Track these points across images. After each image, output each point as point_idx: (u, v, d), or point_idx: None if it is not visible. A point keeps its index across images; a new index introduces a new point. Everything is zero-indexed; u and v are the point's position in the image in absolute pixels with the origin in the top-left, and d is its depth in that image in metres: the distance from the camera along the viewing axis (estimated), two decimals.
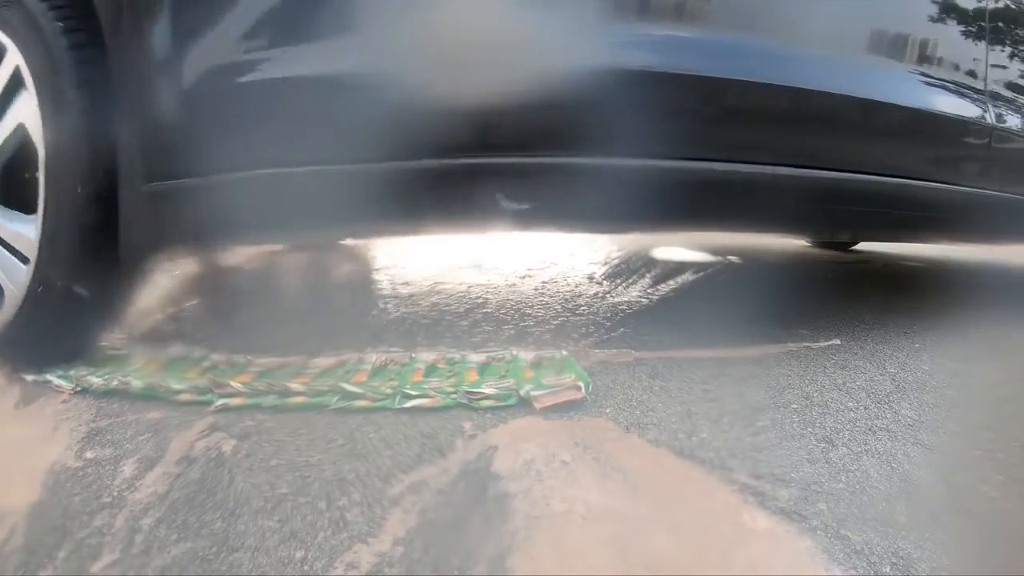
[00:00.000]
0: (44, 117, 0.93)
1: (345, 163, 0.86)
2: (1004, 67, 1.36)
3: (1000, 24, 1.35)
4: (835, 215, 1.20)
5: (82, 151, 0.91)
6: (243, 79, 0.87)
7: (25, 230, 0.96)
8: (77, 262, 0.93)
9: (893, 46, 1.17)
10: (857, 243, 2.69)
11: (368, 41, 0.87)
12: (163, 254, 1.04)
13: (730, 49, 0.97)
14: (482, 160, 0.90)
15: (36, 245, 0.93)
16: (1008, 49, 1.37)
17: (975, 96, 1.29)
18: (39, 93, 0.93)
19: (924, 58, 1.20)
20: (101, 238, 0.92)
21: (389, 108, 0.83)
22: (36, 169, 0.93)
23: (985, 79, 1.31)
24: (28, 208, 0.96)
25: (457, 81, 0.84)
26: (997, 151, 1.33)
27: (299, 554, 0.61)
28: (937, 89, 1.22)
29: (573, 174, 0.92)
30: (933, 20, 1.24)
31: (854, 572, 0.60)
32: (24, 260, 0.96)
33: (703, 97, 0.96)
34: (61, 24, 0.94)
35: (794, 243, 2.68)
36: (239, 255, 1.79)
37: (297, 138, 0.87)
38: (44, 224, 0.93)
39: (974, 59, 1.29)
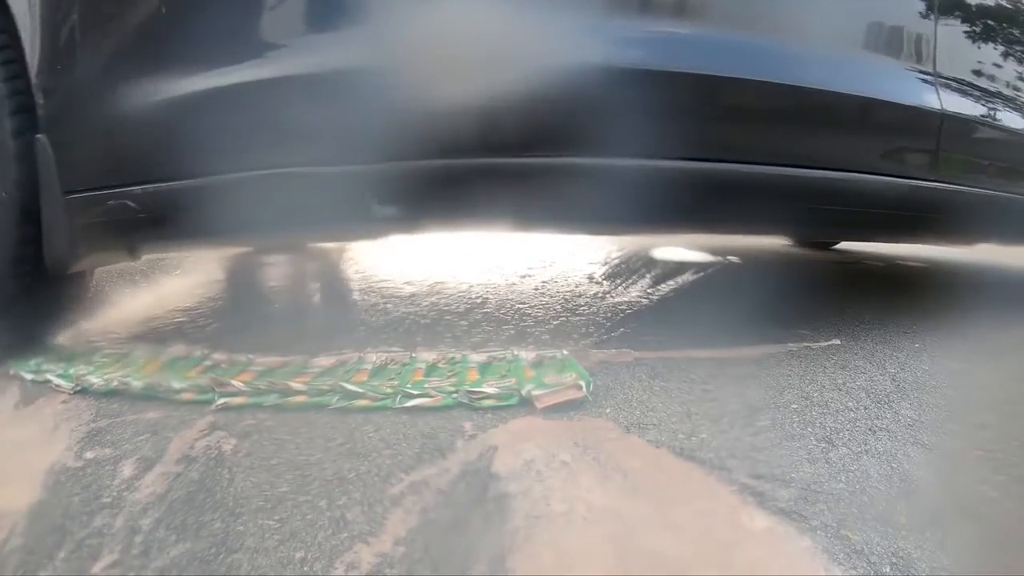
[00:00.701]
0: None
1: (263, 169, 0.88)
2: (955, 49, 1.24)
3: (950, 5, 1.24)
4: (818, 215, 1.14)
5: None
6: (153, 95, 0.88)
7: None
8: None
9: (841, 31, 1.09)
10: (838, 243, 2.68)
11: (266, 58, 0.88)
12: (86, 261, 1.06)
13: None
14: (479, 161, 0.90)
15: None
16: (958, 28, 1.26)
17: (924, 80, 1.18)
18: None
19: (869, 43, 1.12)
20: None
21: (301, 115, 0.86)
22: None
23: (934, 60, 1.19)
24: None
25: (440, 82, 0.84)
26: (948, 141, 1.21)
27: (299, 554, 0.61)
28: (881, 74, 1.13)
29: (571, 175, 0.92)
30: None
31: (854, 572, 0.60)
32: None
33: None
34: None
35: (786, 243, 2.68)
36: (237, 256, 1.79)
37: (214, 150, 0.88)
38: None
39: (924, 40, 1.18)
